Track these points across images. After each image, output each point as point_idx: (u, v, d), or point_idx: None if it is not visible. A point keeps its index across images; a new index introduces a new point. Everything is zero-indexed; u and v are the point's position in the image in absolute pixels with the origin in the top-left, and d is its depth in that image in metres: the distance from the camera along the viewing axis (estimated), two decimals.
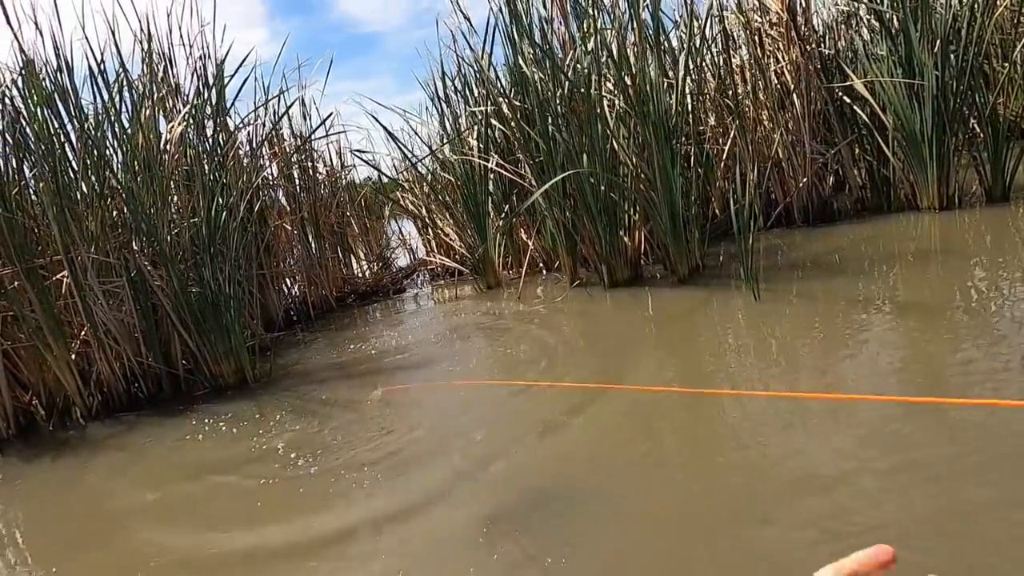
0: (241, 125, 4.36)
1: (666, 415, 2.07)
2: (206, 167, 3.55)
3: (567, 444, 1.98)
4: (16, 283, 3.00)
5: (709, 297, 3.30)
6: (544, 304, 3.80)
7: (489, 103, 4.37)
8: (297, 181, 5.01)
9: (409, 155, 5.04)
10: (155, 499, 2.14)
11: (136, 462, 2.53)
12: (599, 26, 3.59)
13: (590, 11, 3.61)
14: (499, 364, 2.98)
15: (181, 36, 3.92)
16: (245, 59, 5.85)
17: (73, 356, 3.11)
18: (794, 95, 4.30)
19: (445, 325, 3.85)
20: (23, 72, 3.13)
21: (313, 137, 5.05)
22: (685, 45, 3.70)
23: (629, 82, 3.44)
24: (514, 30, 3.95)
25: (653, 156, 3.43)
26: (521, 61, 3.90)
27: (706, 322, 2.96)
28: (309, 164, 5.07)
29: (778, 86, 4.38)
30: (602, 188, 3.61)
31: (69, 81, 3.26)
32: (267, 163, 4.73)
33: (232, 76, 4.10)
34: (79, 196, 3.22)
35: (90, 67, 3.34)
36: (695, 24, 3.76)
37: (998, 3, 3.78)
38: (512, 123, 4.05)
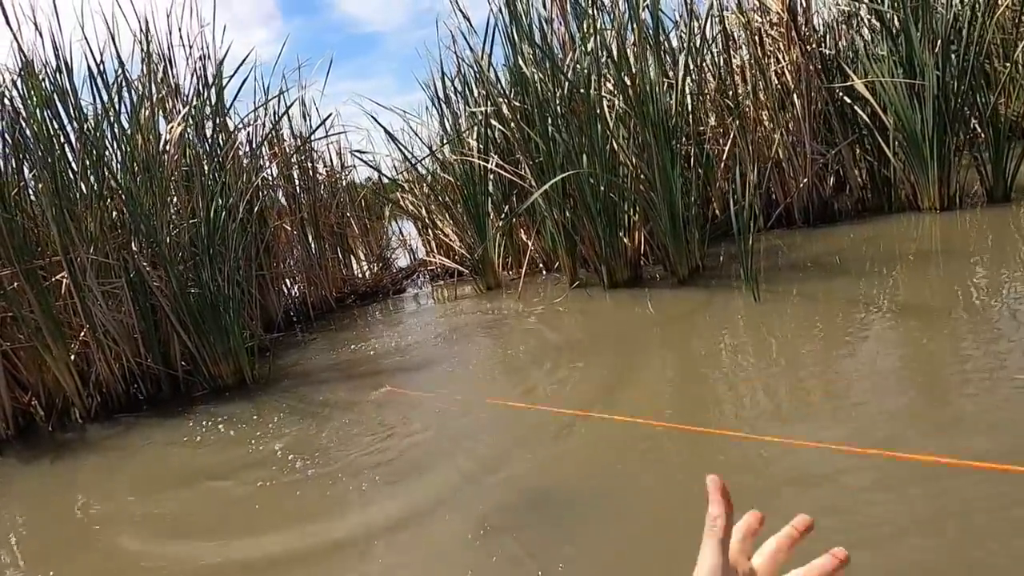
0: (241, 126, 4.36)
1: (667, 419, 2.06)
2: (205, 168, 3.55)
3: (568, 446, 1.97)
4: (15, 284, 3.00)
5: (709, 298, 3.29)
6: (544, 305, 3.79)
7: (489, 104, 4.36)
8: (297, 181, 5.01)
9: (409, 156, 5.03)
10: (151, 505, 2.12)
11: (133, 466, 2.52)
12: (599, 26, 3.58)
13: (590, 11, 3.60)
14: (499, 365, 2.97)
15: (181, 37, 3.92)
16: (245, 59, 5.85)
17: (72, 357, 3.11)
18: (794, 95, 4.29)
19: (445, 326, 3.84)
20: (23, 73, 3.13)
21: (313, 138, 5.05)
22: (685, 45, 3.69)
23: (629, 82, 3.44)
24: (514, 31, 3.95)
25: (653, 157, 3.43)
26: (521, 61, 3.90)
27: (706, 323, 2.95)
28: (309, 165, 5.06)
29: (778, 86, 4.37)
30: (602, 189, 3.60)
31: (68, 82, 3.26)
32: (267, 164, 4.73)
33: (231, 76, 4.10)
34: (78, 197, 3.21)
35: (89, 68, 3.34)
36: (695, 24, 3.75)
37: (999, 3, 3.77)
38: (512, 124, 4.05)
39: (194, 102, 3.85)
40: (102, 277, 3.19)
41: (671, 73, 3.67)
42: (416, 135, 5.23)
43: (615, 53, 3.54)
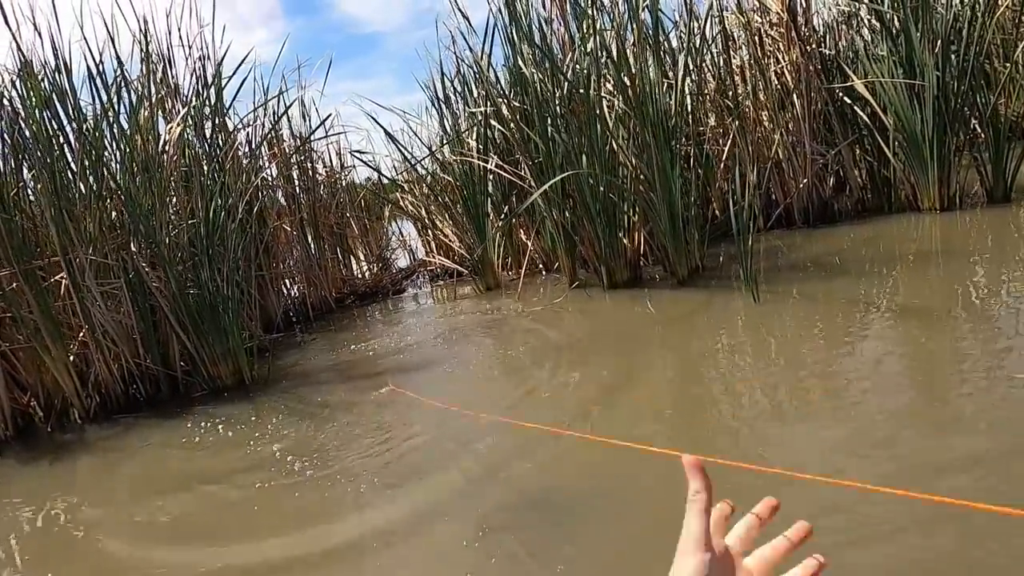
0: (241, 126, 4.36)
1: (667, 419, 2.06)
2: (205, 168, 3.55)
3: (568, 447, 1.96)
4: (14, 284, 3.00)
5: (709, 299, 3.29)
6: (543, 305, 3.79)
7: (488, 104, 4.36)
8: (296, 182, 5.00)
9: (408, 156, 5.03)
10: (148, 508, 2.09)
11: (131, 468, 2.52)
12: (598, 27, 3.58)
13: (589, 12, 3.60)
14: (499, 365, 2.97)
15: (180, 37, 3.92)
16: (244, 59, 5.82)
17: (71, 357, 3.11)
18: (794, 95, 4.29)
19: (444, 326, 3.84)
20: (22, 73, 3.12)
21: (312, 138, 5.05)
22: (685, 45, 3.69)
23: (628, 83, 3.43)
24: (513, 31, 3.94)
25: (652, 157, 3.42)
26: (520, 62, 3.90)
27: (706, 324, 2.94)
28: (308, 165, 5.06)
29: (778, 86, 4.37)
30: (601, 189, 3.60)
31: (67, 82, 3.26)
32: (266, 164, 4.73)
33: (231, 77, 4.10)
34: (77, 197, 3.21)
35: (88, 68, 3.34)
36: (695, 24, 3.75)
37: (999, 3, 3.76)
38: (511, 124, 4.04)
39: (193, 102, 3.85)
40: (101, 277, 3.19)
41: (671, 73, 3.67)
42: (416, 135, 5.24)
43: (614, 53, 3.54)
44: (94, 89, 3.32)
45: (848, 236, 4.03)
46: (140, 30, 3.66)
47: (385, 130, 4.88)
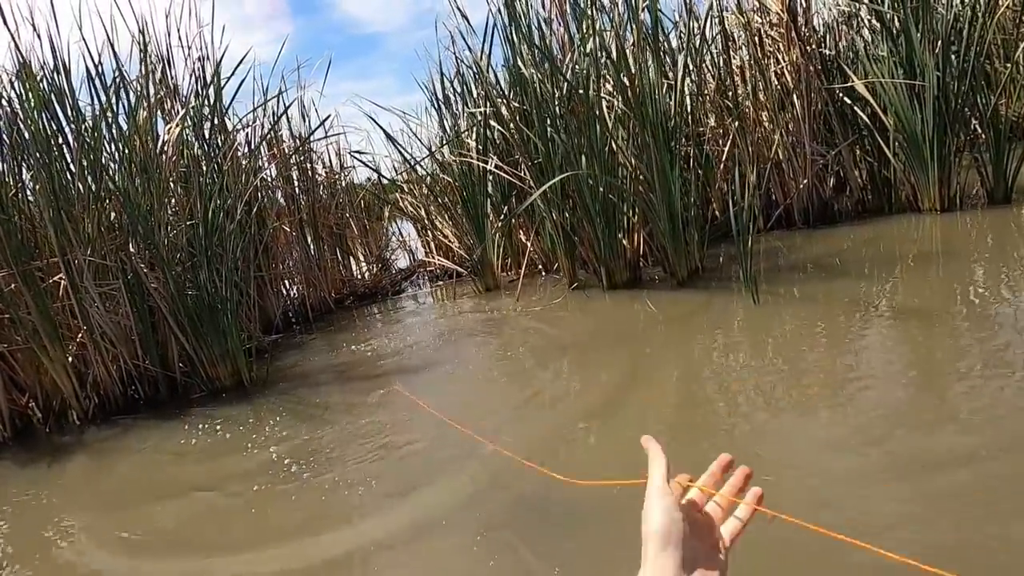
0: (240, 126, 4.35)
1: (665, 421, 2.06)
2: (203, 168, 3.54)
3: (568, 450, 1.96)
4: (12, 285, 2.99)
5: (709, 300, 3.28)
6: (542, 306, 3.78)
7: (488, 104, 4.35)
8: (296, 182, 5.00)
9: (408, 157, 5.03)
10: (142, 515, 2.06)
11: (126, 474, 2.48)
12: (598, 27, 3.57)
13: (589, 12, 3.59)
14: (499, 367, 2.96)
15: (180, 38, 3.91)
16: (242, 59, 5.81)
17: (69, 359, 3.10)
18: (794, 96, 4.28)
19: (444, 326, 3.83)
20: (20, 73, 3.12)
21: (312, 138, 5.04)
22: (684, 46, 3.68)
23: (628, 83, 3.43)
24: (513, 31, 3.94)
25: (652, 158, 3.42)
26: (520, 62, 3.89)
27: (705, 325, 2.94)
28: (308, 165, 5.05)
29: (778, 87, 4.36)
30: (601, 190, 3.59)
31: (66, 82, 3.26)
32: (266, 164, 4.72)
33: (229, 77, 4.09)
34: (76, 198, 3.21)
35: (87, 68, 3.34)
36: (694, 24, 3.74)
37: (1000, 3, 3.75)
38: (511, 125, 4.04)
39: (192, 103, 3.84)
40: (99, 279, 3.18)
41: (670, 74, 3.66)
42: (415, 136, 5.23)
43: (614, 54, 3.53)
44: (93, 90, 3.32)
45: (848, 237, 4.03)
46: (139, 30, 3.66)
47: (384, 131, 4.89)
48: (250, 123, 4.47)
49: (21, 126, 3.11)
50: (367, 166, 5.48)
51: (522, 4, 3.86)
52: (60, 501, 2.32)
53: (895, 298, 2.80)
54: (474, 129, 4.60)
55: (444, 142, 4.91)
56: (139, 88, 3.56)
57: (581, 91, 3.57)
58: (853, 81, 4.04)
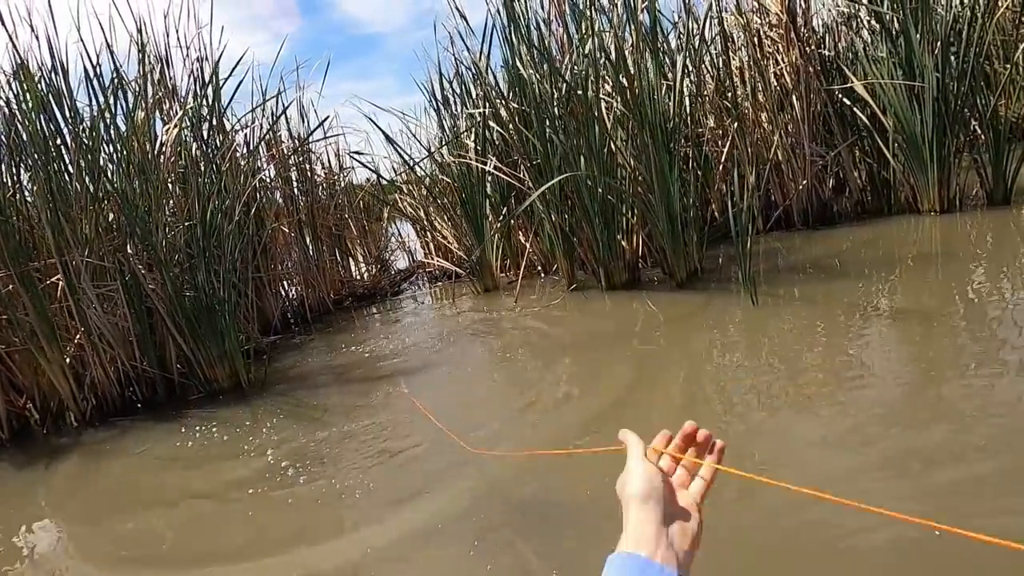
0: (238, 127, 4.35)
1: (664, 420, 2.05)
2: (202, 169, 3.53)
3: (570, 457, 1.95)
4: (10, 287, 2.99)
5: (707, 302, 3.27)
6: (541, 307, 3.78)
7: (487, 105, 4.35)
8: (295, 183, 4.99)
9: (407, 158, 5.02)
10: (133, 525, 2.00)
11: (120, 479, 2.45)
12: (597, 28, 3.57)
13: (588, 13, 3.59)
14: (499, 368, 2.96)
15: (178, 38, 3.91)
16: (240, 59, 5.80)
17: (67, 360, 3.09)
18: (793, 97, 4.27)
19: (443, 328, 3.83)
20: (18, 74, 3.11)
21: (311, 139, 5.03)
22: (683, 46, 3.68)
23: (627, 84, 3.42)
24: (512, 32, 3.93)
25: (651, 159, 3.41)
26: (519, 63, 3.88)
27: (704, 327, 2.93)
28: (307, 166, 5.05)
29: (777, 88, 4.36)
30: (600, 191, 3.58)
31: (64, 83, 3.25)
32: (264, 165, 4.71)
33: (227, 77, 4.09)
34: (73, 199, 3.20)
35: (85, 69, 3.33)
36: (693, 25, 3.74)
37: (999, 4, 3.75)
38: (510, 125, 4.03)
39: (191, 103, 3.84)
40: (97, 280, 3.17)
41: (669, 75, 3.66)
42: (414, 137, 5.23)
43: (613, 55, 3.53)
44: (91, 90, 3.31)
45: (847, 238, 4.02)
46: (138, 30, 3.64)
47: (383, 132, 4.87)
48: (249, 124, 4.46)
49: (19, 127, 3.11)
50: (366, 167, 5.48)
51: (521, 5, 3.86)
52: (54, 506, 2.30)
53: (894, 299, 2.80)
54: (473, 130, 4.60)
55: (443, 143, 4.91)
56: (137, 89, 3.55)
57: (580, 92, 3.57)
58: (852, 82, 4.03)
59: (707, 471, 0.64)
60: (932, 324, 2.36)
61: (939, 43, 3.70)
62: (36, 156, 3.06)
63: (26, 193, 3.25)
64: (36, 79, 3.16)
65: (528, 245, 4.47)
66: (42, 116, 3.15)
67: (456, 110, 4.93)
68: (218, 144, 3.86)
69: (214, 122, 3.92)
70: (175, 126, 3.49)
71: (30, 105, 3.11)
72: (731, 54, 4.45)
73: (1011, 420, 1.61)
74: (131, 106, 3.45)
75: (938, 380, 1.94)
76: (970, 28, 3.68)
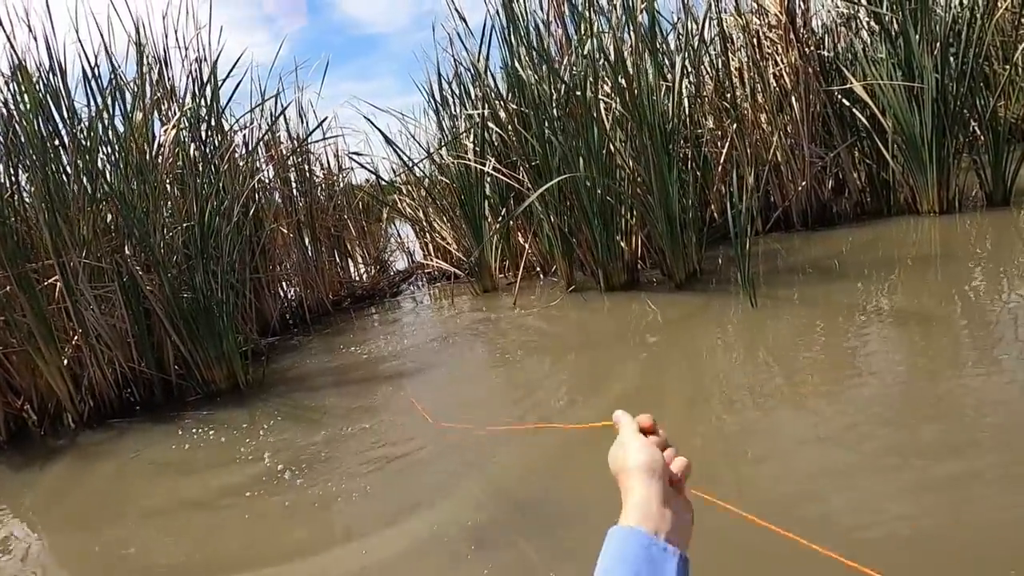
0: (237, 128, 4.34)
1: (663, 419, 2.04)
2: (200, 170, 3.53)
3: (570, 457, 1.94)
4: (8, 288, 2.98)
5: (707, 302, 3.27)
6: (540, 308, 3.77)
7: (486, 106, 4.34)
8: (293, 184, 4.98)
9: (406, 158, 5.02)
10: (127, 533, 1.98)
11: (116, 483, 2.43)
12: (596, 29, 3.56)
13: (587, 14, 3.59)
14: (498, 369, 2.95)
15: (177, 39, 3.90)
16: (238, 60, 5.80)
17: (65, 361, 3.08)
18: (793, 97, 4.27)
19: (442, 329, 3.82)
20: (16, 74, 3.10)
21: (310, 140, 5.03)
22: (682, 47, 3.67)
23: (626, 85, 3.42)
24: (511, 33, 3.93)
25: (650, 160, 3.41)
26: (518, 64, 3.88)
27: (703, 328, 2.93)
28: (306, 167, 5.04)
29: (777, 89, 4.35)
30: (599, 192, 3.58)
31: (62, 83, 3.24)
32: (263, 166, 4.71)
33: (226, 78, 4.08)
34: (71, 200, 3.19)
35: (83, 70, 3.32)
36: (693, 26, 3.74)
37: (998, 5, 3.75)
38: (509, 126, 4.03)
39: (189, 104, 3.83)
40: (95, 281, 3.17)
41: (668, 76, 3.65)
42: (413, 138, 5.22)
43: (612, 56, 3.52)
44: (89, 91, 3.30)
45: (847, 239, 4.02)
46: (137, 31, 3.64)
47: (383, 133, 4.87)
48: (247, 124, 4.46)
49: (17, 127, 3.10)
50: (365, 168, 5.47)
51: (520, 6, 3.85)
52: (49, 510, 2.28)
53: (894, 300, 2.79)
54: (472, 131, 4.59)
55: (442, 144, 4.90)
56: (135, 89, 3.55)
57: (579, 93, 3.56)
58: (852, 83, 4.03)
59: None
60: (931, 325, 2.36)
61: (938, 44, 3.70)
62: (34, 157, 3.06)
63: (24, 194, 3.24)
64: (34, 80, 3.16)
65: (527, 246, 4.47)
66: (40, 117, 3.14)
67: (455, 111, 4.93)
68: (216, 145, 3.85)
69: (212, 123, 3.91)
70: (173, 127, 3.48)
71: (28, 106, 3.10)
72: (730, 55, 4.44)
73: (1008, 418, 1.61)
74: (129, 107, 3.44)
75: (937, 379, 1.94)
76: (969, 29, 3.67)
